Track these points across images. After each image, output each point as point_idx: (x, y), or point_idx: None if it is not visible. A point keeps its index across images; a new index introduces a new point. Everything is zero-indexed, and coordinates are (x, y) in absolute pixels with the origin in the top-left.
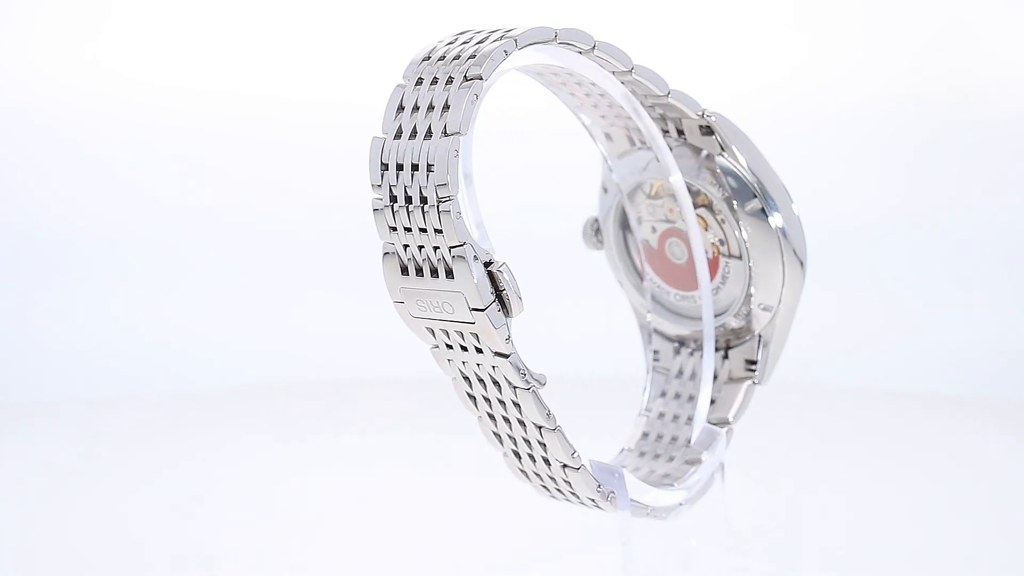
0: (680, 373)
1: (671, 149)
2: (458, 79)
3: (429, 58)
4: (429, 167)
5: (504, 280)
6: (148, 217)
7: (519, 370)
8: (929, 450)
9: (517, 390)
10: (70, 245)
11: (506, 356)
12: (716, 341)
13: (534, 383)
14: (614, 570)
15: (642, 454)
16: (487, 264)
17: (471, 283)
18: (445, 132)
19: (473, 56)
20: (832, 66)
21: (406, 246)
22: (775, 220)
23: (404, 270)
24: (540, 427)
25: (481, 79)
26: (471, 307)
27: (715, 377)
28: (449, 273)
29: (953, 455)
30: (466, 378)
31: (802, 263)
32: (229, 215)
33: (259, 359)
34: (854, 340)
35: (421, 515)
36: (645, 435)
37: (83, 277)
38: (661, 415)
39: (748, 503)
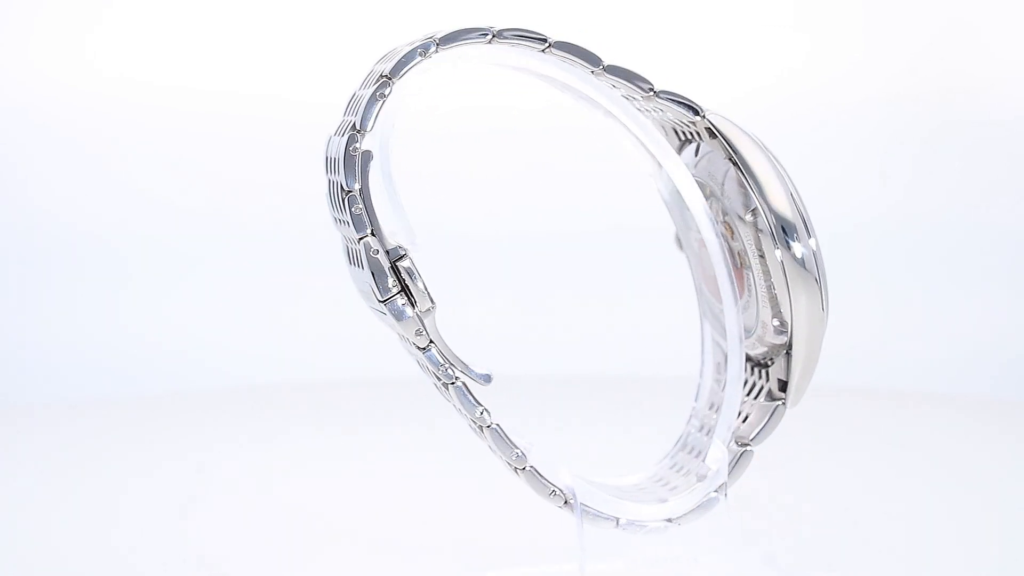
0: None
1: (701, 153)
2: (375, 77)
3: (384, 56)
4: (336, 162)
5: (405, 276)
6: (146, 218)
7: (438, 364)
8: (929, 450)
9: (446, 385)
10: (67, 245)
11: (421, 349)
12: (763, 357)
13: (464, 378)
14: None
15: (672, 465)
16: (397, 259)
17: (370, 275)
18: (353, 128)
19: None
20: (832, 66)
21: (344, 236)
22: (792, 249)
23: (350, 259)
24: (479, 425)
25: (389, 78)
26: (376, 298)
27: (759, 394)
28: (362, 264)
29: (953, 455)
30: (424, 368)
31: (820, 287)
32: (228, 216)
33: (257, 360)
34: (854, 340)
35: (419, 514)
36: (684, 446)
37: (80, 277)
38: (701, 427)
39: (747, 503)
